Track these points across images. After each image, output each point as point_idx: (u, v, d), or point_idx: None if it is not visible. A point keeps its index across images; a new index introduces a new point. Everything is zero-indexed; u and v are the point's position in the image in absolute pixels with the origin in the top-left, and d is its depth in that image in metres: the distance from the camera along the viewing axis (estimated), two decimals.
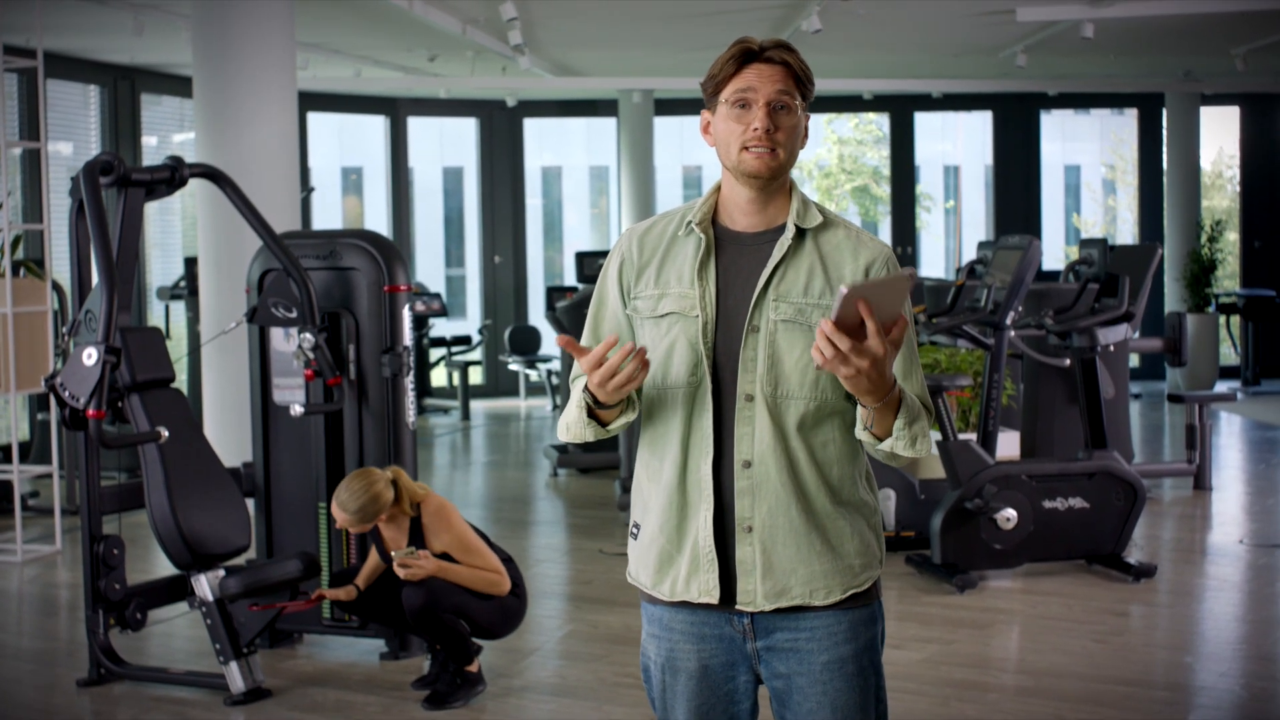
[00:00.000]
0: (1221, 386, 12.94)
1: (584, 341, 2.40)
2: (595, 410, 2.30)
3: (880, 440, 2.24)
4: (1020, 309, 6.51)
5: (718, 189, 2.37)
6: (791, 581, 2.29)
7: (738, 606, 2.31)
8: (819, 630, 2.31)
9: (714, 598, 2.30)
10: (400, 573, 4.51)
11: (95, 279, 4.78)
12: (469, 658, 4.69)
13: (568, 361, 9.60)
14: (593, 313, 2.42)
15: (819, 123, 19.92)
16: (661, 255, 2.35)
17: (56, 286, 7.93)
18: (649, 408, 2.35)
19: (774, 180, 2.29)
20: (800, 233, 2.31)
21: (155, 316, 10.95)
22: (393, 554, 4.53)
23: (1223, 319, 13.57)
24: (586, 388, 2.26)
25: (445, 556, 4.59)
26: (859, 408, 2.23)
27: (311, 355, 5.02)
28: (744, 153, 2.26)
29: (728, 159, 2.29)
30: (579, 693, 4.79)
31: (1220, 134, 16.69)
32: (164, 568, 6.10)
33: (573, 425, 2.33)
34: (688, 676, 2.37)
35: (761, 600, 2.29)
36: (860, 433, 2.26)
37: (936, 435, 6.12)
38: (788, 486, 2.27)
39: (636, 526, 2.41)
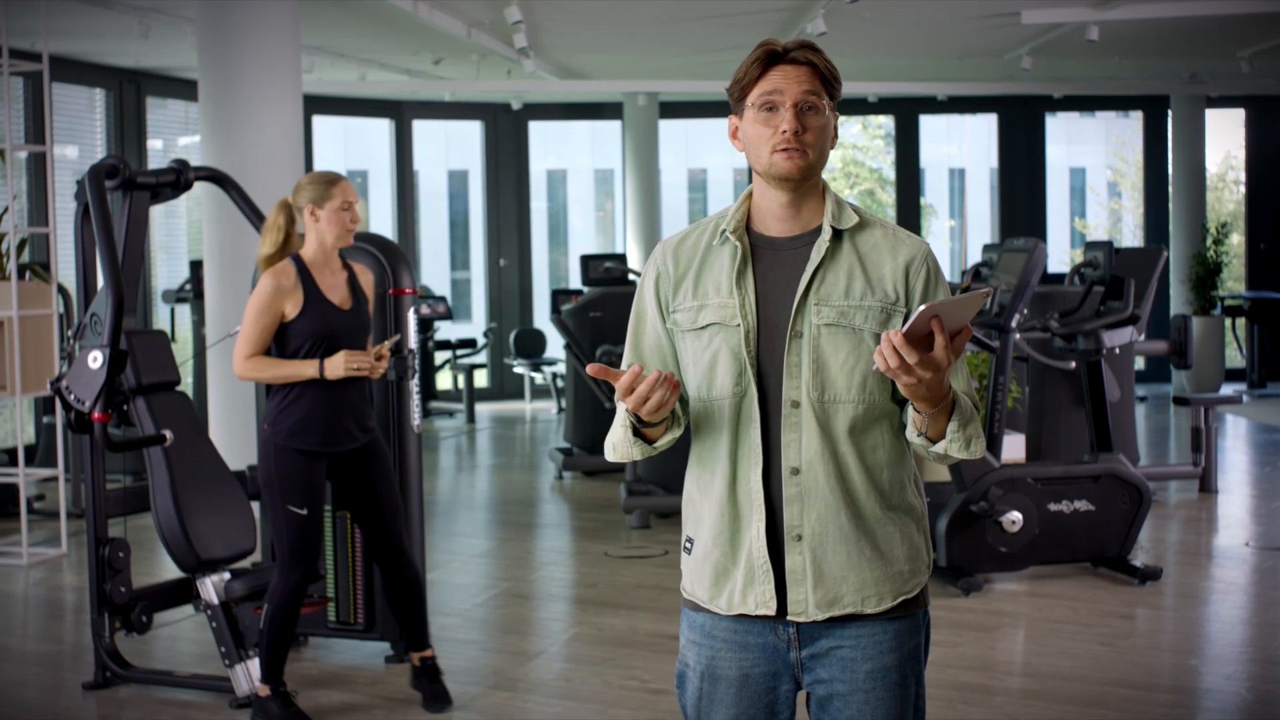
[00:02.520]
0: (1227, 389, 12.93)
1: (626, 356, 2.39)
2: (640, 429, 2.28)
3: (933, 443, 2.22)
4: (1025, 312, 6.51)
5: (749, 196, 2.34)
6: (843, 590, 2.26)
7: (789, 617, 2.27)
8: (864, 638, 2.28)
9: (771, 609, 2.26)
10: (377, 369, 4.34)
11: (101, 282, 4.79)
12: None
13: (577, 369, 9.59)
14: (632, 328, 2.39)
15: None
16: (698, 266, 2.32)
17: (62, 290, 7.94)
18: (696, 421, 2.32)
19: (805, 181, 2.26)
20: (837, 234, 2.28)
21: (161, 320, 10.96)
22: (375, 349, 4.32)
23: (1228, 321, 13.55)
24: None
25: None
26: (911, 411, 2.20)
27: None
28: (774, 155, 2.23)
29: (758, 163, 2.27)
30: (584, 696, 4.79)
31: (1225, 136, 16.69)
32: (169, 571, 6.11)
33: (619, 445, 2.31)
34: (728, 685, 2.33)
35: (814, 610, 2.26)
36: (912, 436, 2.24)
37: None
38: (837, 492, 2.24)
39: (690, 541, 2.37)
